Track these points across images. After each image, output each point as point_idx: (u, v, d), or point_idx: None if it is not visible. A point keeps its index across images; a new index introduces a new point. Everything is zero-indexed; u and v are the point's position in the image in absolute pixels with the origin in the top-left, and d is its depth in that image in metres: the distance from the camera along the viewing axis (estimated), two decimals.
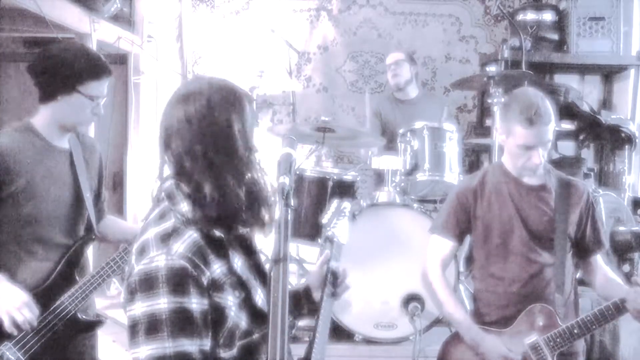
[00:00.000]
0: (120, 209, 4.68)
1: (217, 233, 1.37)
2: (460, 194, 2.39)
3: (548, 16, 4.68)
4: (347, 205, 1.98)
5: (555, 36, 4.66)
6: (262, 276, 1.53)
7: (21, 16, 3.49)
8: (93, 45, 3.76)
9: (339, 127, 3.64)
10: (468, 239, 2.58)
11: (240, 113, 1.40)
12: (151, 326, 1.26)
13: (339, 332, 3.20)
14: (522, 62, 4.19)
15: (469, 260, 3.33)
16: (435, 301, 2.40)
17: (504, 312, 2.29)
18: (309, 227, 3.38)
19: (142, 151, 4.71)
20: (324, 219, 1.89)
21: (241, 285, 1.39)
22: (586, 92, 4.93)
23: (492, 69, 4.53)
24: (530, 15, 4.69)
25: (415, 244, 3.08)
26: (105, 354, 2.68)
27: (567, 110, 4.55)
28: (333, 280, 1.66)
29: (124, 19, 4.38)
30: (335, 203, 1.97)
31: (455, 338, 2.35)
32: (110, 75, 2.11)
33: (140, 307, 1.27)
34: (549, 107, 2.22)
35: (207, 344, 1.31)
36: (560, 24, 4.67)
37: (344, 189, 3.51)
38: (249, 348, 1.39)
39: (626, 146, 4.29)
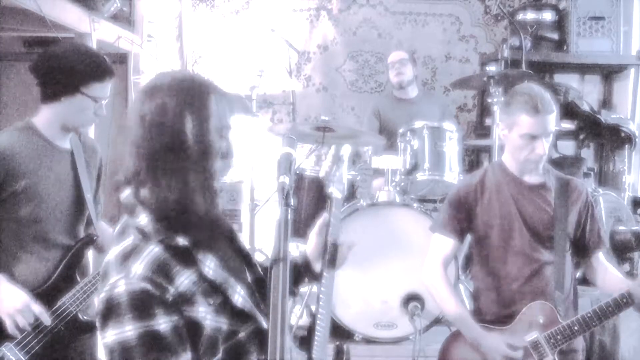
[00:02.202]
0: (120, 209, 4.67)
1: (181, 242, 1.31)
2: (461, 192, 2.40)
3: (548, 16, 4.68)
4: (346, 149, 1.80)
5: (555, 36, 4.66)
6: (247, 262, 1.51)
7: (21, 16, 3.48)
8: (93, 45, 3.76)
9: (339, 127, 3.64)
10: (468, 238, 2.58)
11: (199, 112, 1.32)
12: (124, 354, 1.24)
13: (339, 332, 3.20)
14: (522, 62, 4.19)
15: (469, 259, 3.33)
16: (436, 300, 2.40)
17: (504, 311, 2.29)
18: (309, 227, 3.37)
19: None
20: (321, 172, 1.75)
21: (215, 290, 1.33)
22: (586, 92, 4.93)
23: (492, 68, 4.53)
24: (530, 15, 4.69)
25: (415, 244, 3.08)
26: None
27: (567, 110, 4.55)
28: (333, 252, 1.59)
29: (124, 18, 4.37)
30: (332, 149, 1.81)
31: (456, 337, 2.35)
32: (113, 77, 2.12)
33: (111, 336, 1.24)
34: (550, 98, 2.26)
35: (185, 357, 1.27)
36: (560, 24, 4.67)
37: None
38: (236, 348, 1.36)
39: (626, 146, 4.30)
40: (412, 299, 3.09)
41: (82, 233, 2.22)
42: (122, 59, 4.56)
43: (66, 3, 3.50)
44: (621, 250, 3.63)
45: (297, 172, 3.44)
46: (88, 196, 2.18)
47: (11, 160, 1.99)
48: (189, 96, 1.33)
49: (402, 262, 3.15)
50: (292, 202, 1.25)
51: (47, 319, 1.99)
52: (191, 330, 1.29)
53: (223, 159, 1.38)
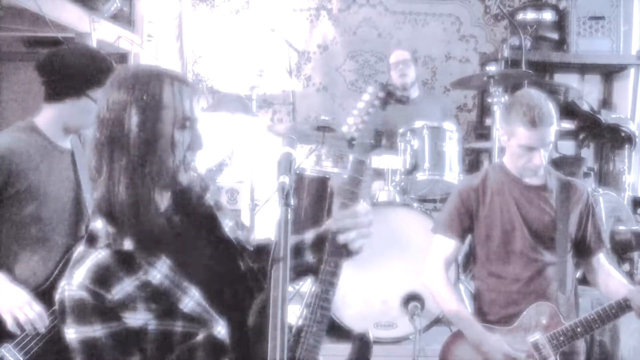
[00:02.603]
0: None
1: (127, 246, 1.29)
2: (462, 193, 2.40)
3: (548, 15, 4.68)
4: (376, 88, 1.53)
5: (555, 35, 4.66)
6: (233, 253, 1.45)
7: (21, 15, 3.49)
8: (93, 45, 3.76)
9: (339, 127, 3.64)
10: (468, 238, 2.58)
11: (147, 103, 1.29)
12: (72, 353, 1.30)
13: (339, 332, 3.20)
14: (522, 62, 4.18)
15: (469, 259, 3.33)
16: (438, 300, 2.40)
17: (506, 311, 2.29)
18: (309, 227, 3.36)
19: None
20: (348, 124, 1.47)
21: (161, 295, 1.30)
22: (586, 92, 4.93)
23: (492, 68, 4.51)
24: (530, 15, 4.69)
25: (415, 244, 3.08)
26: None
27: (567, 110, 4.55)
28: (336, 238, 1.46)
29: (124, 18, 4.37)
30: (366, 93, 1.52)
31: (457, 337, 2.35)
32: None
33: (65, 334, 1.30)
34: (551, 108, 2.23)
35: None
36: (560, 24, 4.67)
37: None
38: (189, 352, 1.33)
39: (626, 145, 4.30)
40: (412, 299, 3.08)
41: (82, 233, 2.21)
42: (122, 58, 4.56)
43: (66, 3, 3.50)
44: (621, 250, 3.63)
45: (297, 172, 3.44)
46: (87, 196, 2.17)
47: (13, 161, 1.99)
48: (136, 89, 1.30)
49: (402, 262, 3.14)
50: (292, 202, 1.24)
51: (45, 323, 1.98)
52: (133, 335, 1.29)
53: (189, 150, 1.35)
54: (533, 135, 2.19)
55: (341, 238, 1.45)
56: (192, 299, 1.33)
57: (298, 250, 1.54)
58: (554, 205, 2.30)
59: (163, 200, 1.37)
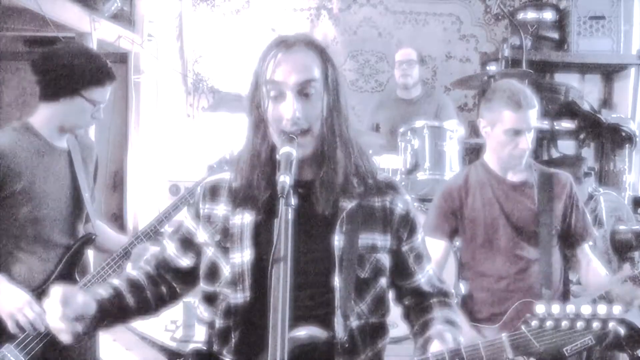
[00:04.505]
0: (120, 209, 4.68)
1: (236, 184, 1.44)
2: (446, 194, 2.42)
3: (548, 15, 4.67)
4: None
5: (555, 35, 4.66)
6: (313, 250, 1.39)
7: (21, 15, 3.49)
8: (93, 45, 3.77)
9: None
10: None
11: (256, 71, 1.39)
12: None
13: None
14: (523, 61, 4.18)
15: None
16: None
17: (493, 310, 2.30)
18: None
19: (142, 150, 4.71)
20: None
21: (225, 236, 1.43)
22: (586, 91, 4.92)
23: (492, 68, 4.52)
24: (530, 14, 4.69)
25: None
26: (105, 353, 2.68)
27: (568, 109, 4.54)
28: None
29: (124, 18, 4.37)
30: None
31: None
32: (114, 81, 2.11)
33: None
34: (532, 94, 2.29)
35: (176, 253, 1.54)
36: (561, 23, 4.67)
37: None
38: (232, 310, 1.39)
39: (626, 145, 4.30)
40: None
41: (81, 232, 2.21)
42: (122, 58, 4.56)
43: (66, 2, 3.51)
44: (622, 250, 3.63)
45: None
46: (86, 195, 2.17)
47: (9, 161, 1.98)
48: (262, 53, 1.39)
49: None
50: (292, 201, 1.24)
51: (40, 325, 1.97)
52: (196, 245, 1.50)
53: (290, 123, 1.34)
54: (519, 117, 2.22)
55: None
56: (242, 259, 1.40)
57: None
58: (535, 201, 2.32)
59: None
